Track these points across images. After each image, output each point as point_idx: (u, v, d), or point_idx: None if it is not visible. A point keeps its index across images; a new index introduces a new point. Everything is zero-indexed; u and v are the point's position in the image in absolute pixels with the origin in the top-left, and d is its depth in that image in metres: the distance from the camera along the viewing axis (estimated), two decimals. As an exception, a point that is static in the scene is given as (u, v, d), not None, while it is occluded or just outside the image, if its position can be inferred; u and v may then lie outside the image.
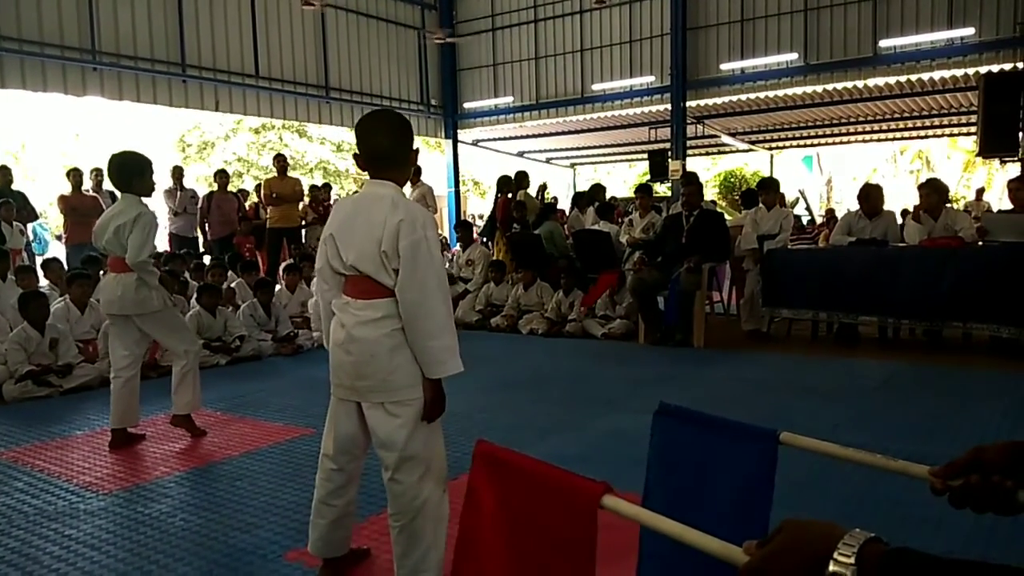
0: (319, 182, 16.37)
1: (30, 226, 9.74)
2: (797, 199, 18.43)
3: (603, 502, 1.02)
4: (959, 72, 12.53)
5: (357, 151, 2.33)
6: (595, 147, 21.54)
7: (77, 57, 11.08)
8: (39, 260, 9.51)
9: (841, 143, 20.81)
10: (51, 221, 18.80)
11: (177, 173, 10.69)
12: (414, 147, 2.36)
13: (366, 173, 2.34)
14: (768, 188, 7.55)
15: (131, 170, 4.06)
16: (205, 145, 25.36)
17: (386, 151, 2.29)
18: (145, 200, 4.16)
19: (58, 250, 11.84)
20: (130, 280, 4.02)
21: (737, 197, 19.28)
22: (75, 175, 9.35)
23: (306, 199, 10.95)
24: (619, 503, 1.01)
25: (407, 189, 9.76)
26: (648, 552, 1.42)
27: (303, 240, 10.34)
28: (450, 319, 2.27)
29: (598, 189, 11.02)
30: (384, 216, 2.16)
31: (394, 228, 2.14)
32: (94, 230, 4.14)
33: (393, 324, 2.20)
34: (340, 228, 2.27)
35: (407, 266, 2.14)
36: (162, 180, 11.01)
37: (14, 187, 9.28)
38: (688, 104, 14.76)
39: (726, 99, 14.77)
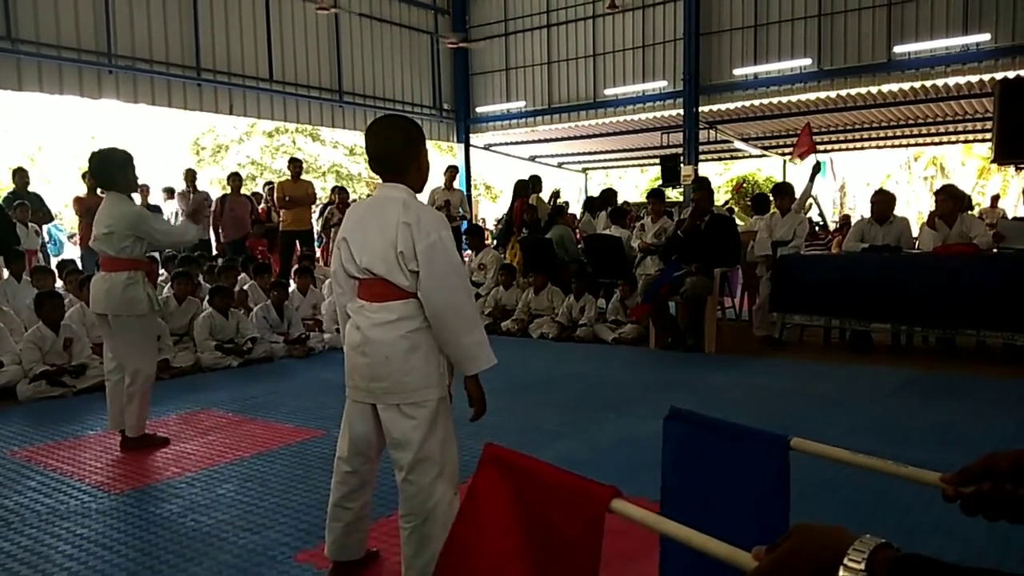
0: (332, 186, 16.44)
1: (45, 227, 9.83)
2: (810, 204, 18.32)
3: (612, 506, 1.01)
4: (974, 78, 12.47)
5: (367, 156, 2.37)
6: (607, 152, 21.53)
7: (93, 60, 11.19)
8: (54, 261, 9.60)
9: (855, 149, 20.68)
10: (66, 223, 18.96)
11: (190, 176, 10.76)
12: (423, 151, 2.36)
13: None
14: (783, 193, 7.51)
15: (113, 167, 4.03)
16: (219, 148, 25.53)
17: (392, 156, 2.30)
18: (131, 197, 4.16)
19: (73, 251, 11.93)
20: (118, 279, 3.97)
21: (748, 203, 19.18)
22: (90, 177, 9.43)
23: (333, 200, 11.00)
24: (628, 507, 1.01)
25: (441, 192, 9.84)
26: (670, 553, 1.41)
27: (329, 241, 10.38)
28: (477, 314, 2.32)
29: (611, 193, 11.01)
30: (397, 217, 2.18)
31: (407, 229, 2.16)
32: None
33: (408, 326, 2.22)
34: (353, 232, 2.30)
35: (427, 269, 2.16)
36: (175, 183, 11.11)
37: (30, 189, 9.37)
38: (701, 109, 14.73)
39: (739, 104, 14.74)
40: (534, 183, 9.78)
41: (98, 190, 9.58)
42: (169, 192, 11.19)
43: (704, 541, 0.90)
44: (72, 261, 8.87)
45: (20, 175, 9.29)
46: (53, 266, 8.41)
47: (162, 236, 4.13)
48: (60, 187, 22.76)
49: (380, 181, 2.36)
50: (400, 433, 2.24)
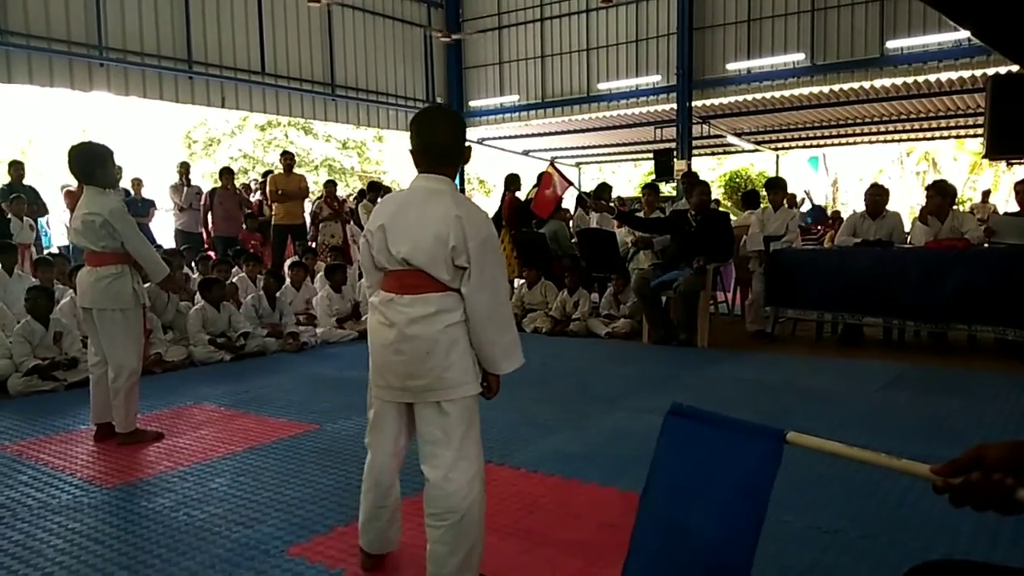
0: (324, 180, 16.39)
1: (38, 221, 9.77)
2: (803, 200, 18.37)
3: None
4: (966, 73, 12.49)
5: (411, 145, 2.29)
6: (600, 146, 21.50)
7: (84, 53, 11.12)
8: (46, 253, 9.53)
9: (847, 144, 20.73)
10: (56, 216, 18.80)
11: (184, 169, 10.72)
12: (468, 147, 2.35)
13: (416, 168, 2.32)
14: (775, 188, 7.52)
15: (93, 161, 4.00)
16: (211, 141, 25.42)
17: (445, 146, 2.27)
18: (111, 192, 4.16)
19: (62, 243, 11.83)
20: (105, 273, 3.95)
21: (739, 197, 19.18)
22: (69, 171, 9.36)
23: (321, 194, 10.96)
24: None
25: None
26: (639, 547, 1.42)
27: (319, 236, 10.34)
28: (511, 313, 2.34)
29: (604, 188, 10.99)
30: (446, 211, 2.14)
31: (459, 223, 2.12)
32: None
33: (448, 319, 2.17)
34: (392, 220, 2.23)
35: (478, 266, 2.13)
36: (169, 176, 11.04)
37: (24, 182, 9.32)
38: (694, 104, 14.74)
39: (732, 99, 14.74)
40: (540, 179, 9.85)
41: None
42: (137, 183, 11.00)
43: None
44: (65, 256, 8.81)
45: (15, 168, 9.28)
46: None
47: (136, 242, 4.01)
48: (51, 180, 22.62)
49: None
50: (441, 431, 2.20)
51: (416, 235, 2.16)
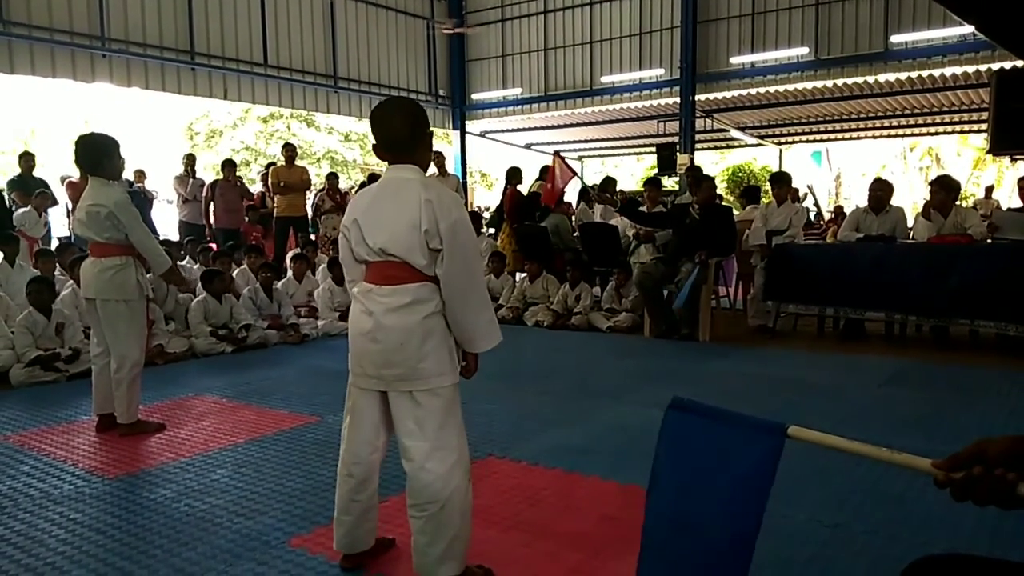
0: (327, 172, 16.39)
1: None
2: (806, 194, 18.34)
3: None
4: (971, 68, 12.46)
5: (374, 140, 2.32)
6: (603, 140, 21.47)
7: (86, 43, 11.09)
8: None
9: (851, 139, 20.69)
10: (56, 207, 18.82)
11: (189, 160, 10.71)
12: (429, 131, 2.35)
13: (384, 162, 2.33)
14: (779, 182, 7.50)
15: (100, 152, 4.01)
16: (213, 133, 25.40)
17: (402, 138, 2.27)
18: (116, 184, 4.14)
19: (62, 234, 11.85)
20: (109, 264, 3.97)
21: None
22: (75, 162, 9.37)
23: (324, 187, 10.95)
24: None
25: (435, 179, 9.86)
26: (649, 543, 1.42)
27: (319, 229, 10.34)
28: (487, 293, 2.35)
29: (610, 182, 10.99)
30: (417, 197, 2.16)
31: (430, 206, 2.14)
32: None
33: (423, 310, 2.19)
34: (365, 213, 2.26)
35: (450, 248, 2.15)
36: (172, 167, 11.04)
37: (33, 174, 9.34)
38: (697, 98, 14.70)
39: (735, 93, 14.71)
40: (543, 173, 9.89)
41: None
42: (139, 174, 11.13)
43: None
44: (74, 245, 8.83)
45: (26, 159, 9.32)
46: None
47: (139, 233, 4.02)
48: (53, 171, 22.61)
49: (369, 166, 2.34)
50: (415, 421, 2.21)
51: (391, 225, 2.19)
